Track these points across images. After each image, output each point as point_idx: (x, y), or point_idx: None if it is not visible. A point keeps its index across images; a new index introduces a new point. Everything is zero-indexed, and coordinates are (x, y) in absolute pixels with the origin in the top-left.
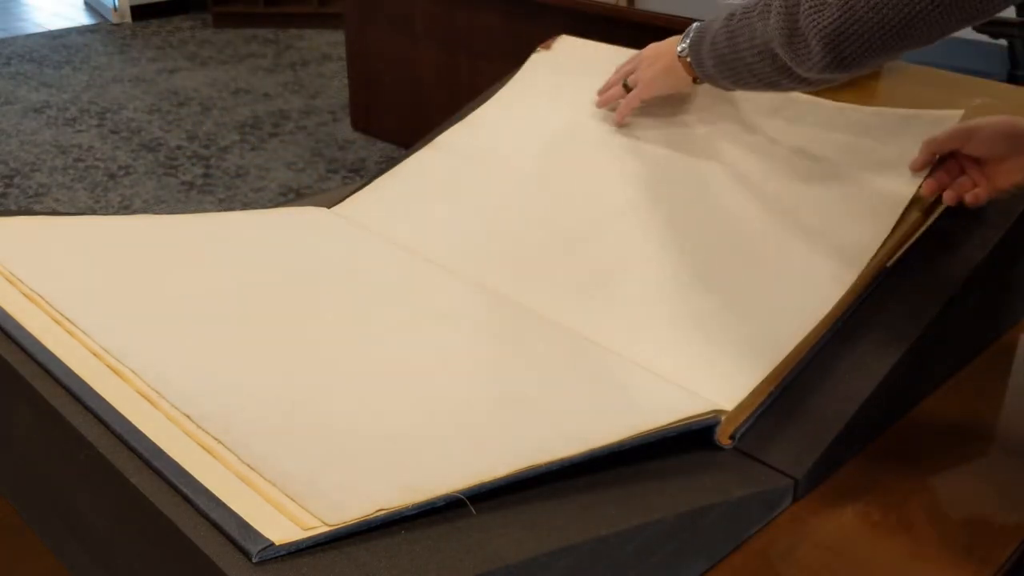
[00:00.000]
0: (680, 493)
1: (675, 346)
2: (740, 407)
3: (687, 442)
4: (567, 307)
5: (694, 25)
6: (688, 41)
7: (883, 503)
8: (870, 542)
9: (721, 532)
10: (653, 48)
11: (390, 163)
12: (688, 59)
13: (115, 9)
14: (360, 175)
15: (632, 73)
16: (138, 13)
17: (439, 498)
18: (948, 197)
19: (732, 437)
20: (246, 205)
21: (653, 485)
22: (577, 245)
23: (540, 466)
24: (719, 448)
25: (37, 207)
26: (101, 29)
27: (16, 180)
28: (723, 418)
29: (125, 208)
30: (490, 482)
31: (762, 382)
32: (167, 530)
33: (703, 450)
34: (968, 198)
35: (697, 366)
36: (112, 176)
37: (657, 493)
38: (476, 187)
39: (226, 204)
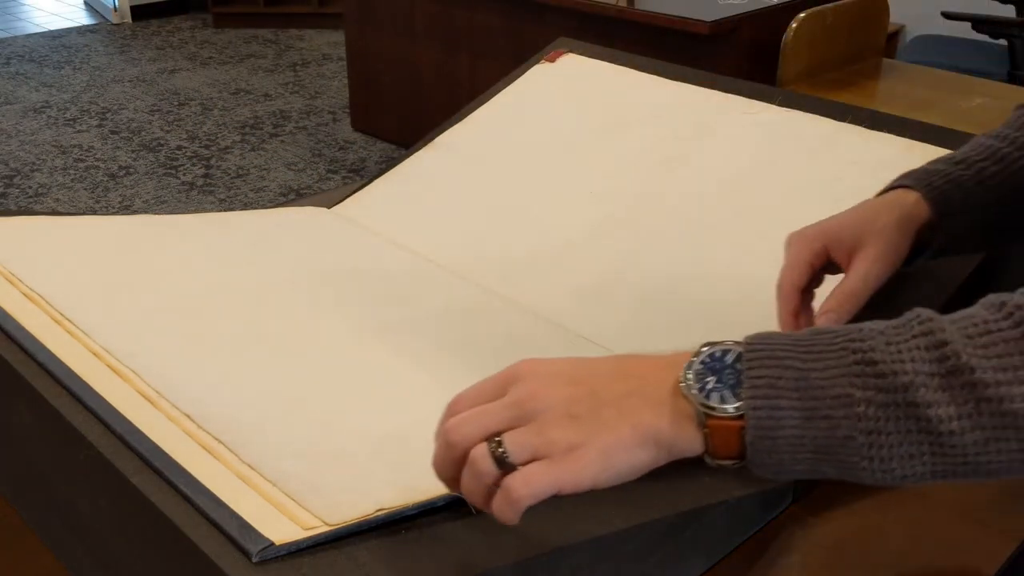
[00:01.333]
0: (680, 493)
1: (675, 347)
2: None
3: None
4: (566, 308)
5: (727, 352)
6: (752, 383)
7: (882, 503)
8: (870, 542)
9: (721, 532)
10: (561, 369)
11: (390, 163)
12: (749, 422)
13: (115, 9)
14: (360, 175)
15: (517, 423)
16: (138, 13)
17: (440, 498)
18: None
19: None
20: (246, 205)
21: (653, 485)
22: (576, 247)
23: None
24: None
25: (37, 207)
26: (101, 29)
27: (16, 180)
28: None
29: (125, 208)
30: None
31: None
32: (167, 530)
33: None
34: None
35: None
36: (112, 176)
37: (657, 493)
38: (476, 187)
39: (226, 204)
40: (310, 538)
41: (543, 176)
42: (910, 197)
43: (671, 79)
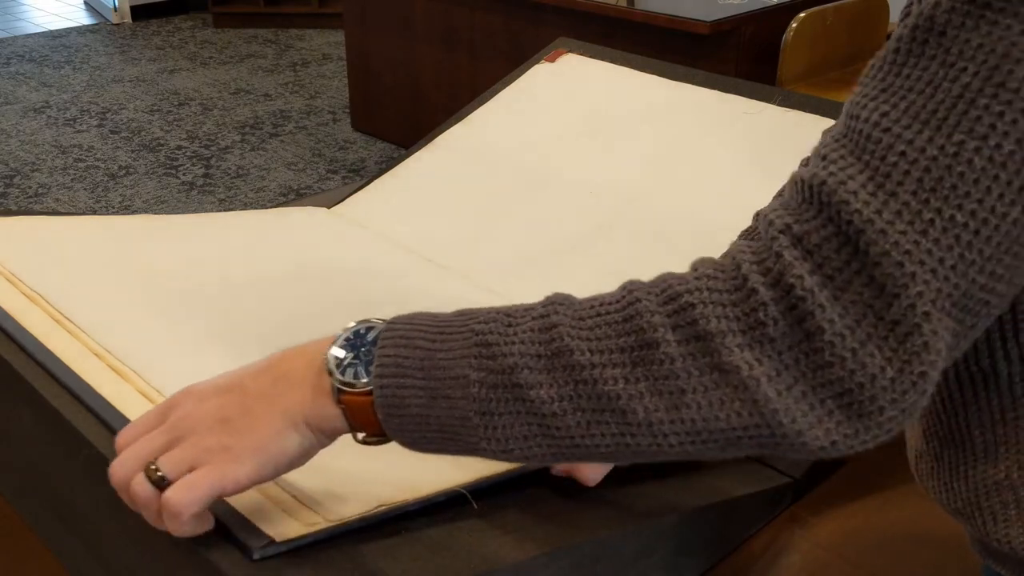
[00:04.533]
0: (680, 493)
1: None
2: None
3: None
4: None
5: (371, 330)
6: (381, 361)
7: (882, 503)
8: (869, 542)
9: (721, 532)
10: (219, 388)
11: (390, 163)
12: (376, 399)
13: (115, 9)
14: (360, 175)
15: (173, 445)
16: (138, 13)
17: (440, 493)
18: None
19: None
20: (246, 205)
21: (653, 485)
22: (575, 246)
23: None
24: None
25: (37, 207)
26: (101, 29)
27: (16, 180)
28: None
29: (125, 208)
30: (492, 477)
31: None
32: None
33: None
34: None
35: None
36: (112, 176)
37: (657, 493)
38: (476, 187)
39: (226, 204)
40: (311, 535)
41: (543, 176)
42: None
43: (671, 79)
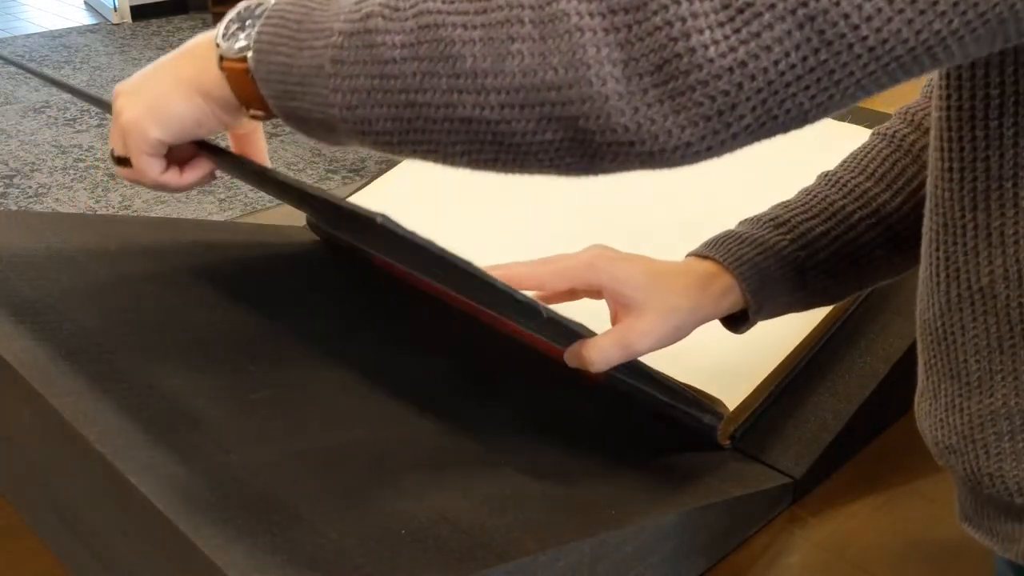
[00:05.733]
0: (680, 493)
1: (675, 346)
2: (740, 407)
3: (687, 442)
4: (568, 309)
5: (260, 4)
6: (269, 14)
7: (882, 503)
8: (869, 542)
9: (721, 532)
10: (143, 80)
11: (390, 163)
12: (254, 45)
13: (115, 9)
14: (360, 175)
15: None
16: (138, 13)
17: (468, 263)
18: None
19: (732, 437)
20: (246, 205)
21: (653, 485)
22: (577, 246)
23: (566, 321)
24: (719, 448)
25: (37, 207)
26: (101, 29)
27: (16, 180)
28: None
29: (125, 208)
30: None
31: (762, 382)
32: (167, 530)
33: (703, 450)
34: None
35: (697, 367)
36: (112, 176)
37: (657, 493)
38: (477, 187)
39: (226, 204)
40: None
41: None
42: (718, 282)
43: None
